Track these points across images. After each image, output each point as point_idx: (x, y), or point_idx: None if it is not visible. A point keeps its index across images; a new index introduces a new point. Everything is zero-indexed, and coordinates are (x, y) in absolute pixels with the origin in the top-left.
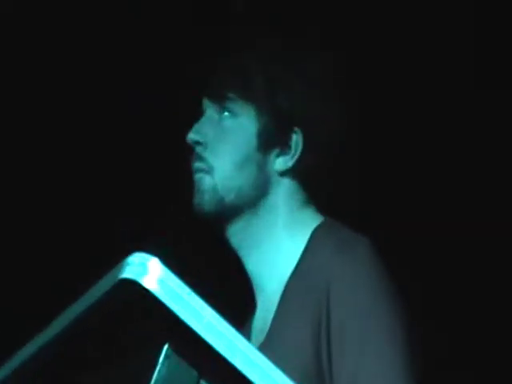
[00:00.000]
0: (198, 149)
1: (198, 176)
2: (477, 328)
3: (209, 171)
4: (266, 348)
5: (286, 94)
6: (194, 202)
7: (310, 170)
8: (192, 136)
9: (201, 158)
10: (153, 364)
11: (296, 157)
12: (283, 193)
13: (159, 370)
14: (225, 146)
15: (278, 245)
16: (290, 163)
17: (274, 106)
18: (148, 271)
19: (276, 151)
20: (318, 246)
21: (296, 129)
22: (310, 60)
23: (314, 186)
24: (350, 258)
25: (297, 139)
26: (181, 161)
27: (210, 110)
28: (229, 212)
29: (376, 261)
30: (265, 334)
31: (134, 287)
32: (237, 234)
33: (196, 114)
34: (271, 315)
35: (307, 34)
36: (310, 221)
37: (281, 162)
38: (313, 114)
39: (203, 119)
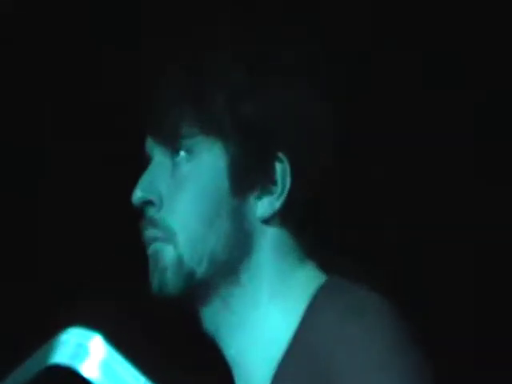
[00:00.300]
0: (150, 211)
1: (154, 248)
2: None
3: (168, 238)
4: None
5: (258, 107)
6: (152, 284)
7: (304, 209)
8: (139, 195)
9: (155, 223)
10: None
11: (284, 194)
12: (270, 247)
13: None
14: (185, 198)
15: (266, 321)
16: (278, 204)
17: (245, 127)
18: (88, 354)
19: (257, 191)
20: (318, 318)
21: (280, 155)
22: (285, 54)
23: (312, 231)
24: (358, 331)
25: (283, 169)
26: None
27: (158, 153)
28: (202, 288)
29: (394, 332)
30: None
31: (69, 375)
32: (213, 317)
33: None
34: None
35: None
36: (308, 283)
37: (265, 205)
38: (300, 130)
39: (150, 169)
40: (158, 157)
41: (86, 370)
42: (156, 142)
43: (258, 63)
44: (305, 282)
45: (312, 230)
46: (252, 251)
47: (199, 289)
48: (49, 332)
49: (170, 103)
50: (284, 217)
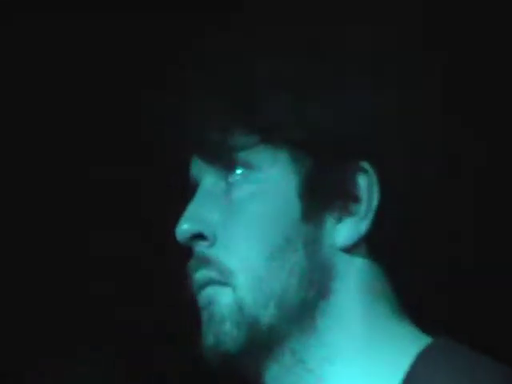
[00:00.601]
0: (200, 247)
1: (207, 293)
2: None
3: (225, 280)
4: None
5: (334, 106)
6: (204, 340)
7: (398, 235)
8: (185, 227)
9: (207, 262)
10: None
11: (371, 214)
12: (355, 284)
13: None
14: (245, 227)
15: (350, 381)
16: (363, 227)
17: (318, 131)
18: None
19: (336, 212)
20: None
21: (364, 165)
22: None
23: (412, 269)
24: None
25: (369, 183)
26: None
27: (207, 175)
28: (268, 340)
29: None
30: None
31: None
32: (282, 377)
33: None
34: None
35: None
36: (407, 340)
37: (347, 229)
38: (387, 132)
39: (199, 194)
40: (208, 179)
41: None
42: (203, 159)
43: (329, 56)
44: (404, 338)
45: (409, 265)
46: (331, 289)
47: (264, 341)
48: None
49: (213, 107)
50: (372, 245)
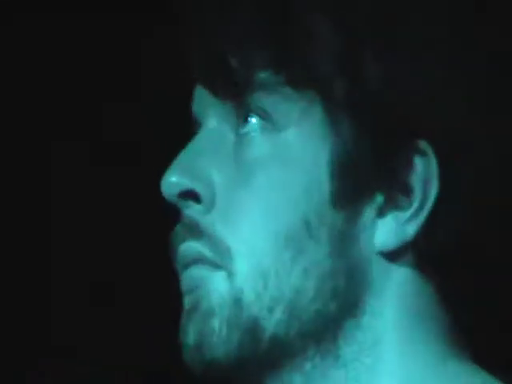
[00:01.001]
0: (192, 210)
1: (192, 275)
2: None
3: (219, 261)
4: None
5: (391, 64)
6: (183, 338)
7: (461, 243)
8: (174, 181)
9: (198, 231)
10: None
11: (426, 211)
12: (394, 306)
13: None
14: (256, 197)
15: None
16: (413, 228)
17: (366, 88)
18: None
19: (377, 202)
20: None
21: (423, 145)
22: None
23: (475, 289)
24: None
25: (425, 169)
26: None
27: (212, 115)
28: (271, 356)
29: None
30: None
31: None
32: None
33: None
34: None
35: None
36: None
37: (390, 227)
38: (460, 110)
39: (198, 141)
40: (213, 121)
41: None
42: (208, 86)
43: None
44: (459, 380)
45: (471, 284)
46: (360, 305)
47: (265, 354)
48: None
49: (238, 28)
50: (421, 252)
